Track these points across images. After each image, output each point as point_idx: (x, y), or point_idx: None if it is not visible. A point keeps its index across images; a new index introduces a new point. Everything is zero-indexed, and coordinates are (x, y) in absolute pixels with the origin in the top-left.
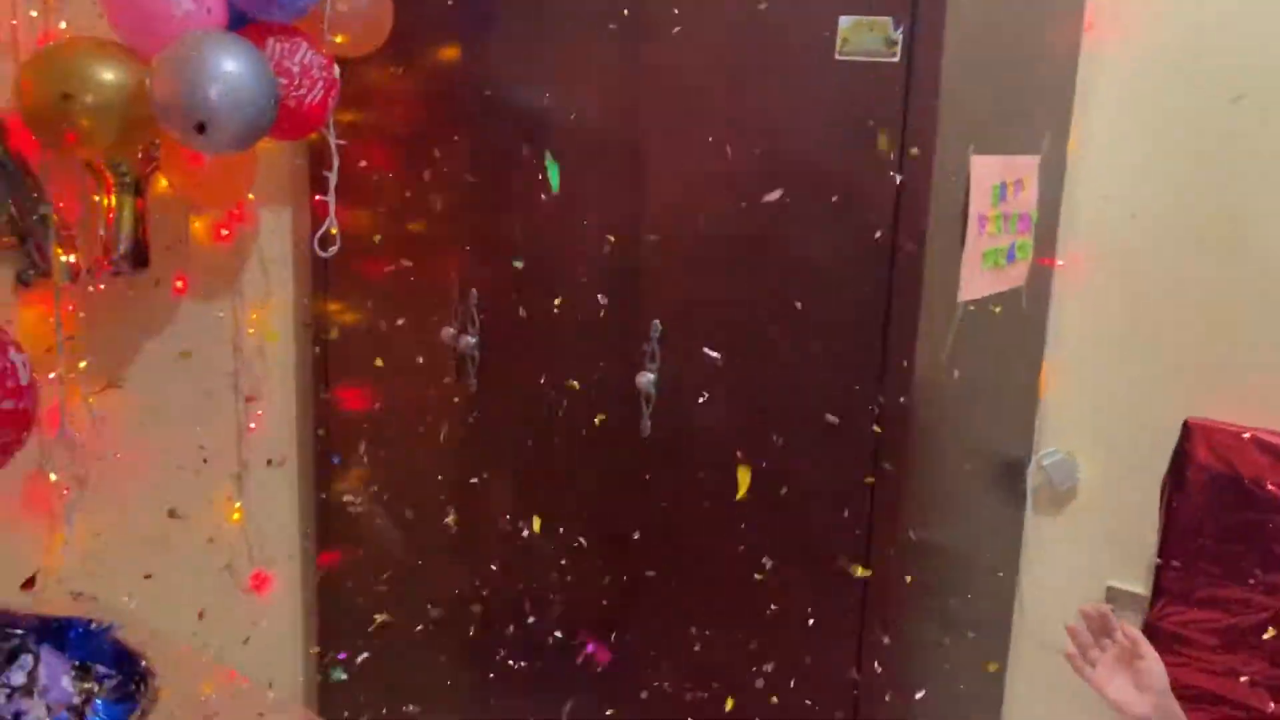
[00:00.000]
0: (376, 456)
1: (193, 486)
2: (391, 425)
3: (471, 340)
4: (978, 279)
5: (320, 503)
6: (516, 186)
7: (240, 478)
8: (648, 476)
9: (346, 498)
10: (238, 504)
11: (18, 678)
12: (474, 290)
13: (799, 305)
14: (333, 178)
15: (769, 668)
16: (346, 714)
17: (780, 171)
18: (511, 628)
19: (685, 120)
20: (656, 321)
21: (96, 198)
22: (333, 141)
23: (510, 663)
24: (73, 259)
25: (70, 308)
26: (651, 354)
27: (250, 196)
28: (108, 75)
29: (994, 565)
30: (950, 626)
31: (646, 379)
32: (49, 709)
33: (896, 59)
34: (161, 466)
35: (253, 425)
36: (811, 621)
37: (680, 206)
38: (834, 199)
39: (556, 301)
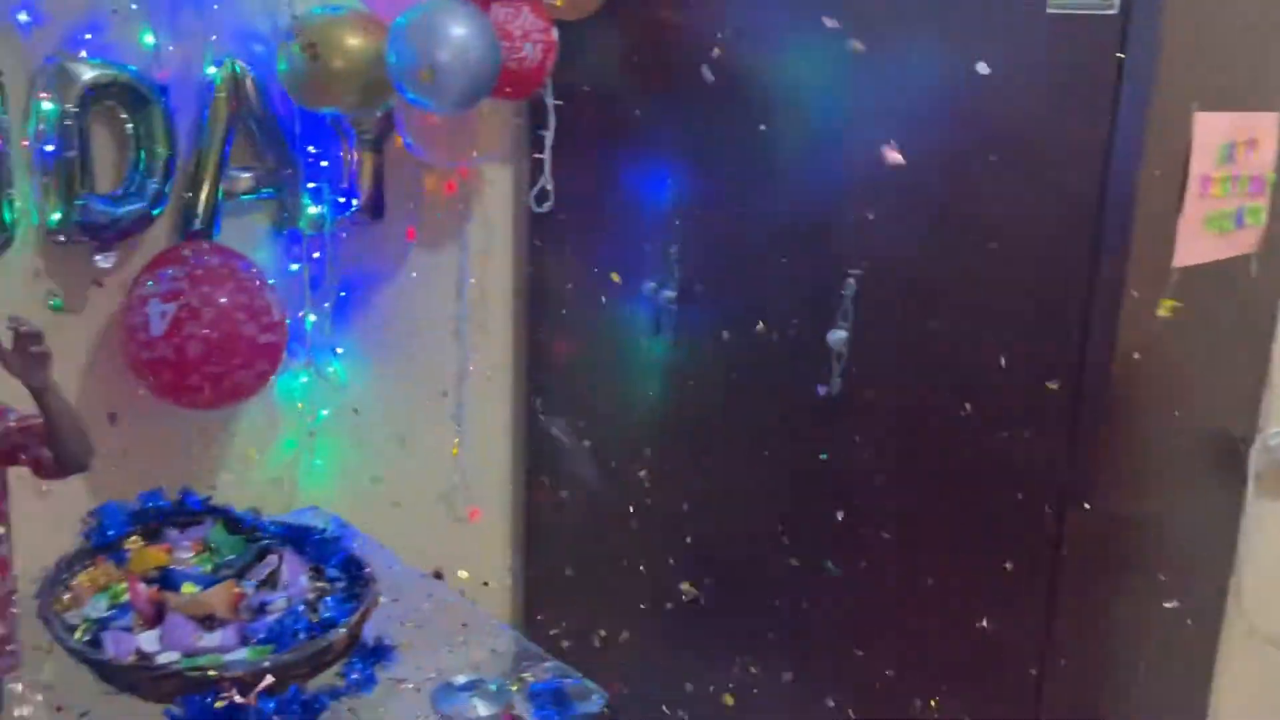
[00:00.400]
0: (580, 404)
1: (418, 420)
2: (594, 375)
3: (670, 295)
4: (1198, 243)
5: (529, 445)
6: (722, 144)
7: (458, 416)
8: (834, 435)
9: (553, 438)
10: (456, 439)
11: (264, 573)
12: (675, 245)
13: (999, 266)
14: (549, 136)
15: (958, 635)
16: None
17: (986, 127)
18: (704, 576)
19: (892, 76)
20: (850, 279)
21: (340, 154)
22: (550, 102)
23: (703, 604)
24: (318, 209)
25: (316, 254)
26: (844, 312)
27: (475, 154)
28: (353, 40)
29: (1208, 549)
30: (1155, 609)
31: (838, 336)
32: (289, 600)
33: (1114, 10)
34: (391, 400)
35: (471, 368)
36: (1001, 595)
37: (879, 162)
38: (1040, 156)
39: (753, 257)
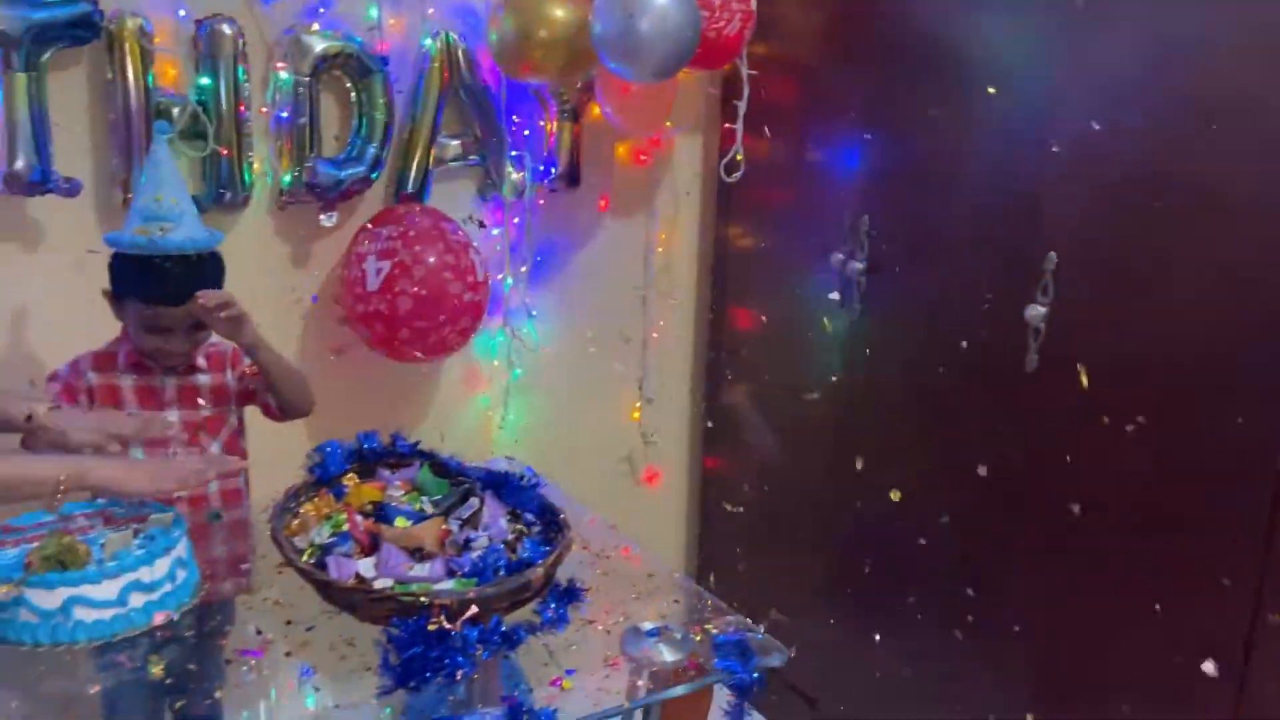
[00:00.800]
0: (762, 374)
1: (603, 383)
2: (776, 345)
3: (859, 265)
4: None
5: (709, 412)
6: (921, 113)
7: (641, 381)
8: (1030, 412)
9: (733, 410)
10: (638, 404)
11: (467, 513)
12: (866, 216)
13: (1211, 246)
14: (742, 106)
15: (1153, 623)
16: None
17: (1202, 98)
18: (883, 554)
19: (1109, 40)
20: (1052, 253)
21: (541, 123)
22: (744, 71)
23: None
24: (519, 176)
25: (516, 219)
26: (1044, 287)
27: (668, 124)
28: (558, 12)
29: None
30: None
31: (1036, 312)
32: (490, 539)
33: None
34: (578, 363)
35: (655, 335)
36: (1198, 583)
37: (1086, 134)
38: (1262, 128)
39: (948, 229)
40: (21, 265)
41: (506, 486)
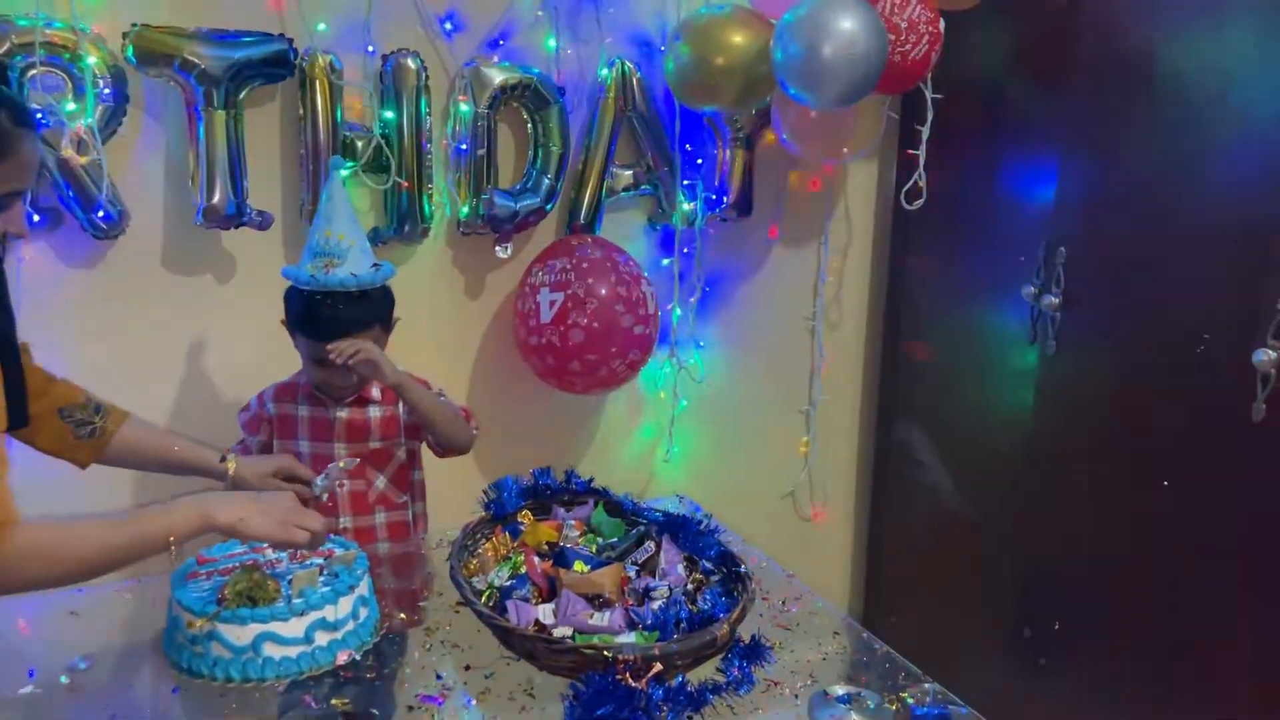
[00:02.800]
0: (938, 411)
1: (769, 416)
2: (955, 382)
3: (1054, 300)
4: None
5: (879, 448)
6: (1123, 138)
7: (808, 414)
8: (1256, 468)
9: (905, 447)
10: (805, 438)
11: (643, 558)
12: (1062, 248)
13: None
14: (925, 131)
15: None
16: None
17: None
18: (1067, 614)
19: None
20: None
21: (715, 151)
22: (929, 95)
23: (1070, 642)
24: (690, 206)
25: (685, 249)
26: (1276, 329)
27: (845, 151)
28: (737, 39)
29: None
30: None
31: (1267, 357)
32: (669, 589)
33: None
34: (745, 395)
35: (824, 367)
36: None
37: None
38: None
39: (1159, 263)
40: (216, 296)
41: (685, 530)
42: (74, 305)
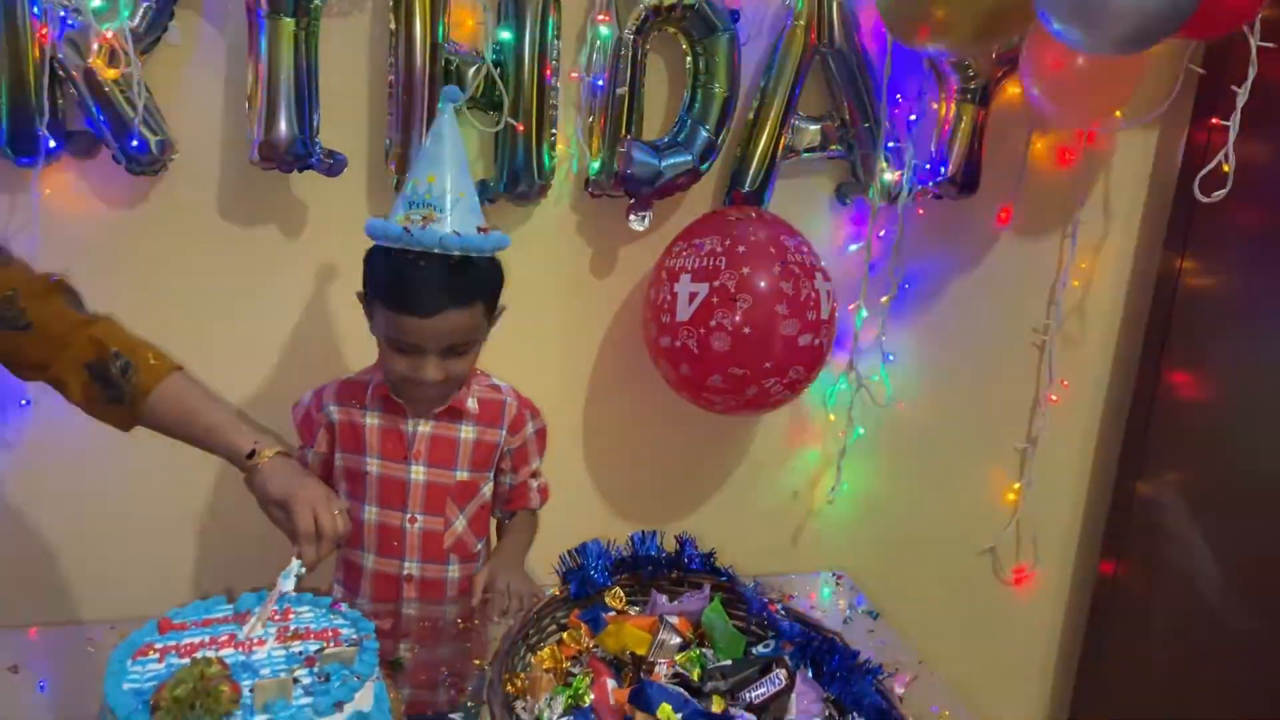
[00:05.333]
0: (1205, 460)
1: (972, 452)
2: (1239, 431)
3: None
4: None
5: (1116, 502)
6: None
7: (1024, 454)
8: None
9: (1154, 510)
10: (1016, 484)
11: (763, 695)
12: None
13: None
14: (1242, 95)
15: None
16: None
17: None
18: None
19: None
20: None
21: (934, 105)
22: (1254, 43)
23: None
24: (895, 176)
25: (882, 232)
26: None
27: (1118, 115)
28: None
29: None
30: None
31: None
32: None
33: None
34: (943, 424)
35: (1054, 396)
36: None
37: None
38: None
39: None
40: (281, 252)
41: (832, 661)
42: (107, 249)
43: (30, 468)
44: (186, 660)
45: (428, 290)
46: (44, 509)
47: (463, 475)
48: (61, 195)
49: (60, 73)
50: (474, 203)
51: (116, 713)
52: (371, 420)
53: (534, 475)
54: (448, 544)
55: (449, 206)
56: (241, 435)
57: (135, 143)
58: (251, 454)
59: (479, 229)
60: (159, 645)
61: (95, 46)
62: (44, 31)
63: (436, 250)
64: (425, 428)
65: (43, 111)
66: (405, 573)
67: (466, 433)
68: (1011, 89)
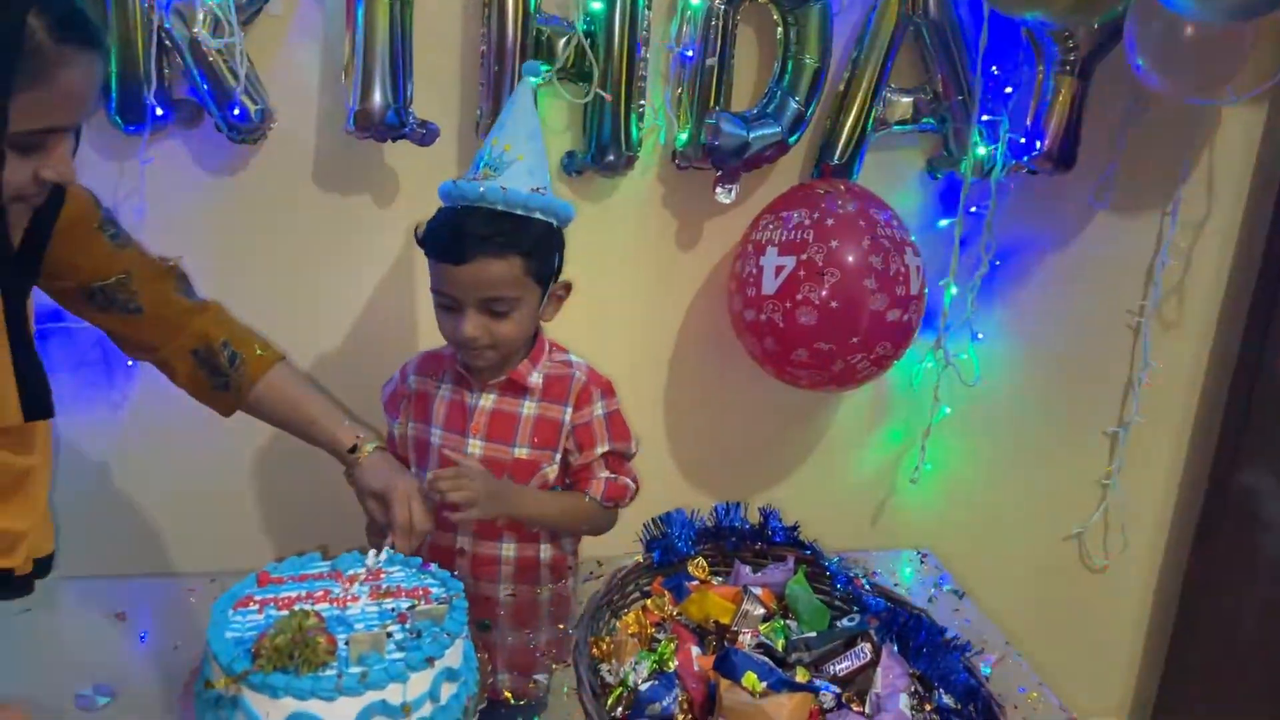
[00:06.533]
0: None
1: (1061, 435)
2: None
3: None
4: None
5: (1211, 490)
6: None
7: (1116, 437)
8: None
9: (1252, 501)
10: (1107, 467)
11: (848, 668)
12: None
13: None
14: None
15: None
16: None
17: None
18: None
19: None
20: None
21: (1031, 78)
22: None
23: None
24: (988, 150)
25: (973, 208)
26: None
27: (1230, 90)
28: None
29: None
30: None
31: None
32: None
33: None
34: (1031, 405)
35: (1146, 378)
36: None
37: None
38: None
39: None
40: (373, 220)
41: (919, 638)
42: (208, 218)
43: (137, 427)
44: (284, 612)
45: (463, 237)
46: (148, 466)
47: (521, 453)
48: (166, 163)
49: (167, 42)
50: (535, 166)
51: (220, 659)
52: (444, 391)
53: (606, 465)
54: (502, 521)
55: (506, 167)
56: (344, 430)
57: (237, 111)
58: (353, 449)
59: (534, 189)
60: (258, 597)
61: (200, 16)
62: (151, 1)
63: (479, 204)
64: (487, 402)
65: (150, 80)
66: (458, 546)
67: (529, 409)
68: (1113, 60)
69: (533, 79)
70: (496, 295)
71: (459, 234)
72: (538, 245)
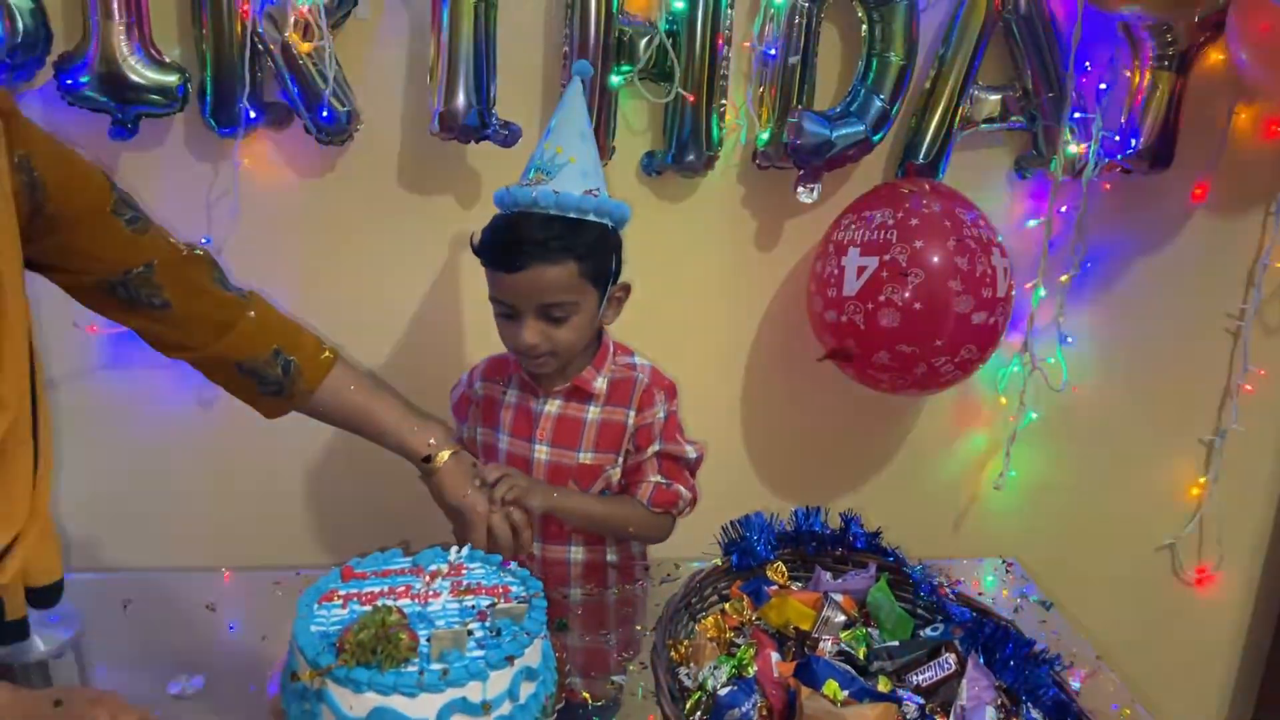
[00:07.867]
0: None
1: (1152, 442)
2: None
3: None
4: None
5: None
6: None
7: (1211, 446)
8: None
9: None
10: (1202, 478)
11: (932, 679)
12: None
13: None
14: None
15: None
16: None
17: None
18: None
19: None
20: None
21: (1127, 73)
22: None
23: None
24: (1080, 149)
25: (1063, 208)
26: None
27: None
28: None
29: None
30: None
31: None
32: None
33: None
34: (1121, 412)
35: (1248, 385)
36: None
37: None
38: None
39: None
40: (456, 222)
41: (1006, 649)
42: (296, 218)
43: (226, 423)
44: (368, 607)
45: (516, 244)
46: (237, 461)
47: (586, 458)
48: (257, 164)
49: (259, 46)
50: (588, 168)
51: (305, 652)
52: (510, 397)
53: (659, 468)
54: (569, 525)
55: (558, 170)
56: (414, 436)
57: (325, 113)
58: (428, 458)
59: (587, 192)
60: (342, 592)
61: (292, 20)
62: (245, 7)
63: (532, 209)
64: (552, 408)
65: (244, 84)
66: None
67: (593, 414)
68: (1214, 55)
69: (583, 76)
70: (553, 301)
71: (512, 241)
72: (593, 248)
